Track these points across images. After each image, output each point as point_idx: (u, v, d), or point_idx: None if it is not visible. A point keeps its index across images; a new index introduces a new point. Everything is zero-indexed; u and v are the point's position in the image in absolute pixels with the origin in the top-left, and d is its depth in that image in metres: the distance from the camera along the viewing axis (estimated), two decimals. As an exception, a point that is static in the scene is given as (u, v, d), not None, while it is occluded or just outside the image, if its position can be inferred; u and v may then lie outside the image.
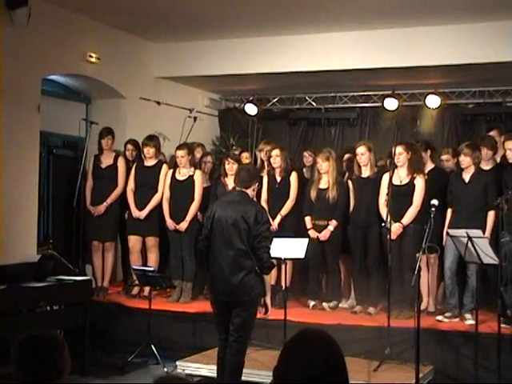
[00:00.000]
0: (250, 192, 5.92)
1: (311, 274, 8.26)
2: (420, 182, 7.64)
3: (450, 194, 7.65)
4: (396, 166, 7.64)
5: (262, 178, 8.63)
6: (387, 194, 7.31)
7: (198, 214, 8.53)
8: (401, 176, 7.69)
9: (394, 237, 7.39)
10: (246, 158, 9.15)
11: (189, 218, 8.42)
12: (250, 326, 5.81)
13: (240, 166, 6.54)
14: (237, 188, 6.05)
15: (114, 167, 8.89)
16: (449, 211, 7.62)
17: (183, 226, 8.40)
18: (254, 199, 6.14)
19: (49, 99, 8.99)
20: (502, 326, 6.41)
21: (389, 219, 7.18)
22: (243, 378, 5.96)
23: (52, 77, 9.19)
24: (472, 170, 7.55)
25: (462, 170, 7.63)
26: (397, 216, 7.45)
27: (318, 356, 2.21)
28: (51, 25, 8.50)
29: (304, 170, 9.17)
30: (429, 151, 8.29)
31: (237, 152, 9.43)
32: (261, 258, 5.69)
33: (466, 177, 7.57)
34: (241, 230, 5.67)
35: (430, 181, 7.78)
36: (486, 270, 6.96)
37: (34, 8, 7.81)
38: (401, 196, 7.50)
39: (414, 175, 7.65)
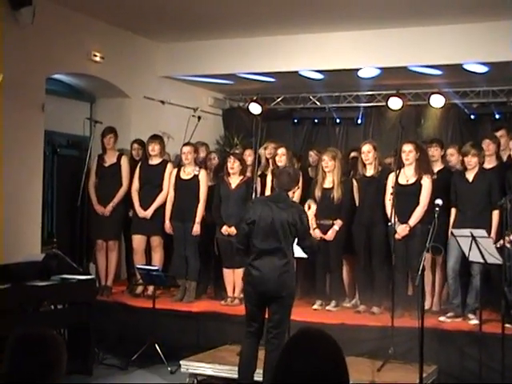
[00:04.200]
0: (291, 194, 6.13)
1: (318, 274, 8.24)
2: (427, 183, 7.62)
3: (453, 194, 7.63)
4: (403, 165, 7.63)
5: (266, 176, 8.65)
6: (391, 194, 7.29)
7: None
8: (407, 175, 7.67)
9: (399, 237, 7.39)
10: (248, 154, 9.14)
11: (198, 219, 8.42)
12: (287, 322, 5.92)
13: (281, 168, 6.90)
14: (277, 190, 6.24)
15: (117, 166, 8.90)
16: (453, 211, 7.61)
17: (197, 229, 8.40)
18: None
19: (53, 98, 9.00)
20: (506, 325, 6.40)
21: (394, 219, 7.18)
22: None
23: (56, 76, 9.21)
24: (476, 169, 7.53)
25: (466, 169, 7.61)
26: (402, 215, 7.45)
27: (318, 355, 2.21)
28: (56, 24, 8.51)
29: (309, 169, 9.16)
30: (442, 151, 8.28)
31: (237, 151, 9.43)
32: (312, 252, 6.28)
33: (470, 176, 7.56)
34: (284, 230, 5.83)
35: (439, 180, 7.77)
36: (488, 270, 6.94)
37: (38, 7, 7.83)
38: (407, 195, 7.49)
39: (422, 175, 7.64)
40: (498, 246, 6.57)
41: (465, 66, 9.23)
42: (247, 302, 6.01)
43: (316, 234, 7.97)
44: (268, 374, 5.77)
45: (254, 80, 10.57)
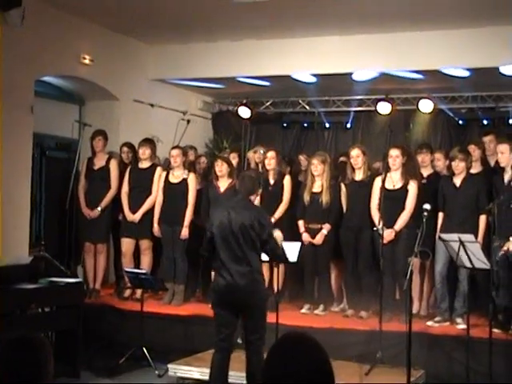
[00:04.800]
0: (253, 198, 6.04)
1: (306, 278, 8.26)
2: (413, 188, 7.65)
3: (441, 199, 7.66)
4: (389, 169, 7.66)
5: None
6: (379, 198, 7.32)
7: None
8: (394, 180, 7.70)
9: (385, 242, 7.41)
10: (233, 157, 9.15)
11: (187, 223, 8.42)
12: (264, 327, 5.86)
13: (243, 173, 6.64)
14: (239, 194, 6.11)
15: (106, 169, 8.89)
16: (440, 215, 7.64)
17: (185, 233, 8.40)
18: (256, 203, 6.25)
19: (42, 101, 8.97)
20: (494, 330, 6.43)
21: (381, 224, 7.20)
22: (234, 381, 5.98)
23: (45, 78, 9.18)
24: (463, 174, 7.57)
25: (453, 174, 7.65)
26: (388, 220, 7.47)
27: (303, 359, 2.21)
28: (45, 26, 8.48)
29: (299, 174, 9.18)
30: (432, 156, 8.31)
31: (226, 155, 9.44)
32: (274, 257, 6.06)
33: (457, 181, 7.59)
34: (247, 235, 5.73)
35: (429, 185, 7.80)
36: (476, 274, 6.98)
37: (27, 9, 7.79)
38: (393, 200, 7.52)
39: (408, 180, 7.66)
40: (503, 252, 6.75)
41: (445, 71, 9.25)
42: (215, 307, 5.91)
43: (304, 238, 8.00)
44: (252, 378, 5.72)
45: (249, 83, 10.55)
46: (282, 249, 6.01)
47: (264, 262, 6.23)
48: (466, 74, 9.34)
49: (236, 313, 5.82)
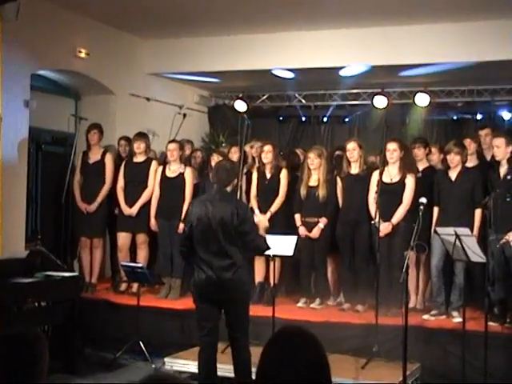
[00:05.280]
0: (229, 189, 5.85)
1: (302, 272, 8.26)
2: (411, 182, 7.65)
3: (436, 193, 7.67)
4: (387, 163, 7.66)
5: (251, 174, 8.66)
6: (376, 192, 7.32)
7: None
8: (391, 174, 7.70)
9: (381, 235, 7.43)
10: (234, 152, 9.15)
11: (184, 217, 8.41)
12: (247, 322, 5.77)
13: (217, 163, 6.37)
14: (215, 186, 5.96)
15: (101, 163, 8.88)
16: (436, 209, 7.65)
17: (182, 227, 8.39)
18: (243, 195, 6.10)
19: (38, 95, 8.95)
20: (489, 323, 6.45)
21: (377, 217, 7.20)
22: (232, 375, 5.98)
23: (41, 72, 9.16)
24: (459, 168, 7.58)
25: (449, 168, 7.66)
26: (386, 214, 7.47)
27: (298, 353, 2.22)
28: (41, 20, 8.46)
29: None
30: (427, 149, 8.31)
31: (225, 150, 9.43)
32: (256, 248, 5.82)
33: (453, 175, 7.60)
34: (225, 228, 5.61)
35: (424, 179, 7.81)
36: (471, 268, 7.00)
37: (23, 3, 7.76)
38: (390, 194, 7.52)
39: (406, 174, 7.66)
40: (503, 242, 6.67)
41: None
42: (196, 302, 5.80)
43: (301, 231, 8.00)
44: (242, 373, 5.67)
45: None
46: (264, 238, 5.83)
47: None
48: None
49: (218, 307, 5.72)
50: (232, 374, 5.87)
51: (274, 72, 10.09)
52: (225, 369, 6.04)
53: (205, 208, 5.71)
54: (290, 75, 10.25)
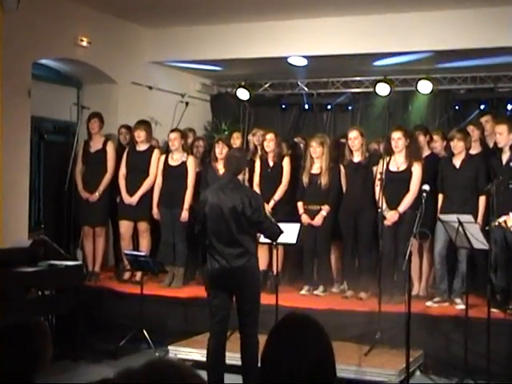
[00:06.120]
0: (241, 177, 5.93)
1: (305, 259, 8.27)
2: (417, 170, 7.63)
3: (440, 180, 7.66)
4: (393, 152, 7.64)
5: (254, 162, 8.65)
6: (379, 180, 7.30)
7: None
8: (398, 162, 7.69)
9: (389, 224, 7.42)
10: (236, 137, 9.12)
11: (187, 205, 8.42)
12: (257, 310, 5.82)
13: (228, 151, 6.39)
14: (226, 174, 6.03)
15: (102, 152, 8.87)
16: (440, 197, 7.64)
17: (185, 215, 8.40)
18: (246, 183, 6.12)
19: (40, 84, 8.95)
20: (492, 310, 6.45)
21: (384, 205, 7.20)
22: (235, 363, 5.99)
23: (43, 61, 9.15)
24: (462, 155, 7.56)
25: (452, 155, 7.64)
26: (392, 202, 7.48)
27: (304, 341, 2.21)
28: (42, 9, 8.43)
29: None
30: (427, 136, 8.30)
31: (227, 137, 9.41)
32: (271, 236, 5.93)
33: (457, 162, 7.59)
34: (237, 217, 5.65)
35: (426, 166, 7.80)
36: (475, 255, 6.99)
37: (24, -8, 7.75)
38: (397, 182, 7.52)
39: (412, 162, 7.64)
40: (497, 223, 6.59)
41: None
42: (209, 290, 5.85)
43: (304, 219, 8.00)
44: (249, 362, 5.70)
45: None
46: (276, 224, 5.91)
47: (263, 243, 6.20)
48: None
49: (230, 295, 5.78)
50: (239, 362, 5.90)
51: (276, 59, 10.02)
52: (233, 357, 6.03)
53: (217, 197, 5.76)
54: (301, 63, 10.17)
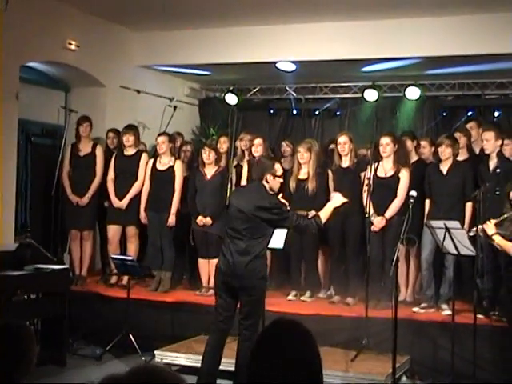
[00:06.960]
0: (265, 182, 5.93)
1: (293, 264, 8.27)
2: (405, 176, 7.65)
3: (427, 186, 7.69)
4: (381, 158, 7.66)
5: (241, 167, 8.65)
6: (367, 185, 7.32)
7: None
8: (386, 168, 7.71)
9: (376, 229, 7.44)
10: (223, 142, 9.10)
11: (174, 210, 8.42)
12: (259, 313, 5.87)
13: (255, 158, 6.91)
14: (251, 178, 6.37)
15: (92, 156, 8.85)
16: (427, 202, 7.67)
17: (172, 220, 8.39)
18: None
19: (27, 87, 8.91)
20: (478, 316, 6.48)
21: (372, 211, 7.21)
22: (221, 368, 5.98)
23: (31, 64, 9.10)
24: (450, 161, 7.59)
25: (440, 161, 7.67)
26: (380, 208, 7.49)
27: (291, 346, 2.21)
28: (30, 11, 8.40)
29: (282, 160, 9.15)
30: (415, 142, 8.33)
31: (214, 142, 9.40)
32: (302, 228, 5.97)
33: (444, 169, 7.62)
34: (250, 219, 5.76)
35: (414, 172, 7.82)
36: (461, 261, 7.02)
37: (12, -6, 7.73)
38: (385, 188, 7.54)
39: (400, 168, 7.67)
40: (471, 234, 6.55)
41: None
42: (217, 289, 5.98)
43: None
44: (240, 364, 5.74)
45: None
46: (304, 219, 6.00)
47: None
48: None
49: (235, 296, 5.84)
50: (231, 368, 5.90)
51: (265, 64, 10.03)
52: (227, 363, 6.03)
53: (237, 199, 6.00)
54: (289, 68, 10.18)
